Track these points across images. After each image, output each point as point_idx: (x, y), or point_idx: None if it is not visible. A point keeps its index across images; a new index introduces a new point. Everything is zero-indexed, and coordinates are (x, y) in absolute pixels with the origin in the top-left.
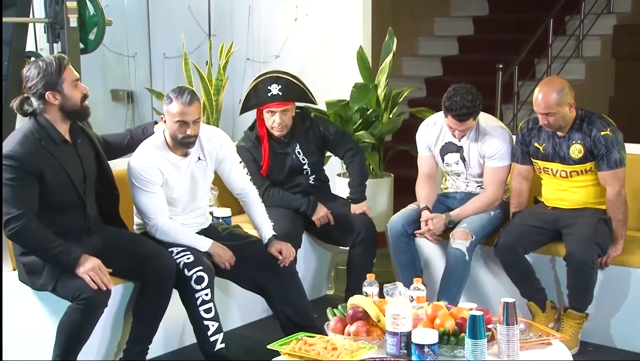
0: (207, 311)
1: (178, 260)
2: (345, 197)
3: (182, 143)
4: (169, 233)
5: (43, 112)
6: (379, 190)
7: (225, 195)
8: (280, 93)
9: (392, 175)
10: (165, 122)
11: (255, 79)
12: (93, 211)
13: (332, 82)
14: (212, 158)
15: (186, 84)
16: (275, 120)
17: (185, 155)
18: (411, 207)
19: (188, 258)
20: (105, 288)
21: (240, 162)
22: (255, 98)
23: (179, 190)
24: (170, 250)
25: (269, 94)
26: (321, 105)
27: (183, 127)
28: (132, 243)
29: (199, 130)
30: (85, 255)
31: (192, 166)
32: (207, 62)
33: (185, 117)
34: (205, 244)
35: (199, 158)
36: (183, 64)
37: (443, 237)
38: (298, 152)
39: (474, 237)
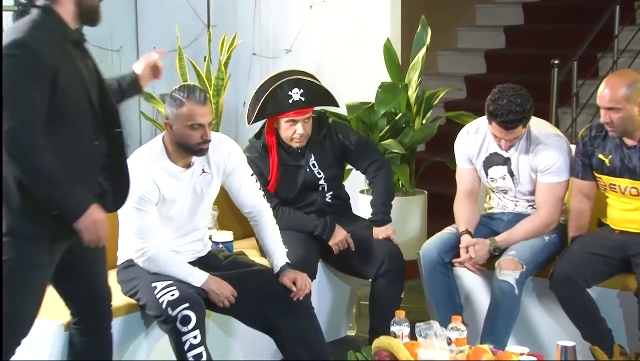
0: (197, 357)
1: (161, 299)
2: (367, 218)
3: (196, 151)
4: (159, 261)
5: (54, 3)
6: (409, 210)
7: (226, 215)
8: (302, 99)
9: (426, 192)
10: (170, 128)
11: (269, 81)
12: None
13: (353, 81)
14: (219, 170)
15: (181, 81)
16: (297, 131)
17: (188, 165)
18: (448, 230)
19: (172, 295)
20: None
21: (252, 175)
22: (274, 106)
23: (178, 206)
24: (153, 285)
25: (290, 101)
26: (341, 109)
27: (198, 130)
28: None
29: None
30: (94, 205)
31: (195, 179)
32: (205, 57)
33: (200, 119)
34: (199, 278)
35: (204, 171)
36: (177, 60)
37: (487, 267)
38: (313, 164)
39: (524, 266)
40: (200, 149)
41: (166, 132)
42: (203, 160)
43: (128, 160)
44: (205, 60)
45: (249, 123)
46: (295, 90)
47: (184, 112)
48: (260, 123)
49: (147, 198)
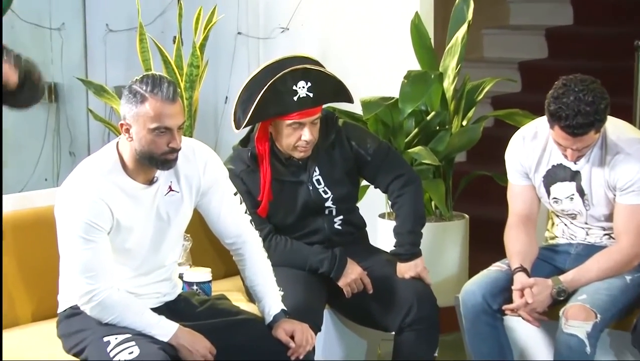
0: None
1: (116, 358)
2: (390, 251)
3: (162, 162)
4: (113, 307)
5: None
6: (445, 241)
7: (202, 248)
8: (310, 94)
9: (467, 216)
10: (127, 132)
11: (265, 71)
12: None
13: (370, 69)
14: (191, 189)
15: (143, 70)
16: (304, 137)
17: (151, 182)
18: (497, 267)
19: (131, 353)
20: None
21: (236, 194)
22: (276, 105)
23: (137, 236)
24: (104, 339)
25: (296, 97)
26: (354, 106)
27: (164, 136)
28: None
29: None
30: None
31: (160, 200)
32: (175, 38)
33: (168, 121)
34: (166, 330)
35: (171, 189)
36: (137, 42)
37: (549, 316)
38: (317, 180)
39: (599, 316)
40: (166, 160)
41: (122, 136)
42: (170, 175)
43: (72, 175)
44: (174, 42)
45: (237, 128)
46: (302, 83)
47: (147, 112)
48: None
49: (96, 225)
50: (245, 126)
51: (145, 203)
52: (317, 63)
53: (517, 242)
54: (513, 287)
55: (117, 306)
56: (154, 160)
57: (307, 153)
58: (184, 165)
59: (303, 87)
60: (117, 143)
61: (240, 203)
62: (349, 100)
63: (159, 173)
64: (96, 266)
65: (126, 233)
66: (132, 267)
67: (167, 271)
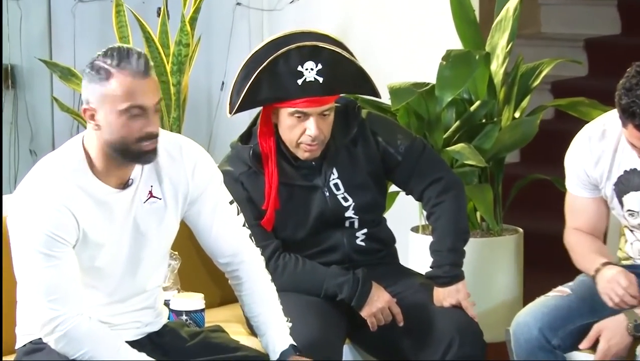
0: None
1: None
2: (425, 273)
3: (139, 154)
4: (82, 340)
5: None
6: (494, 260)
7: (193, 268)
8: (320, 79)
9: (521, 230)
10: (92, 118)
11: (267, 47)
12: None
13: (401, 49)
14: (177, 195)
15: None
16: (309, 131)
17: (124, 185)
18: (558, 292)
19: None
20: None
21: (232, 203)
22: (272, 88)
23: (108, 252)
24: None
25: (300, 81)
26: (381, 94)
27: (138, 119)
28: None
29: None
30: None
31: (137, 208)
32: (159, 10)
33: (141, 99)
34: None
35: (151, 195)
36: (113, 14)
37: (627, 356)
38: (335, 184)
39: None
40: (142, 151)
41: (88, 130)
42: (150, 177)
43: (28, 178)
44: (159, 15)
45: (230, 113)
46: (310, 64)
47: (114, 90)
48: (247, 117)
49: (58, 237)
50: (236, 111)
51: (119, 211)
52: (333, 40)
53: (586, 242)
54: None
55: (87, 338)
56: (128, 152)
57: (314, 154)
58: (169, 166)
59: (311, 69)
60: (83, 138)
61: (238, 214)
62: (374, 93)
63: (135, 174)
64: (61, 287)
65: (95, 249)
66: (105, 292)
67: (150, 297)
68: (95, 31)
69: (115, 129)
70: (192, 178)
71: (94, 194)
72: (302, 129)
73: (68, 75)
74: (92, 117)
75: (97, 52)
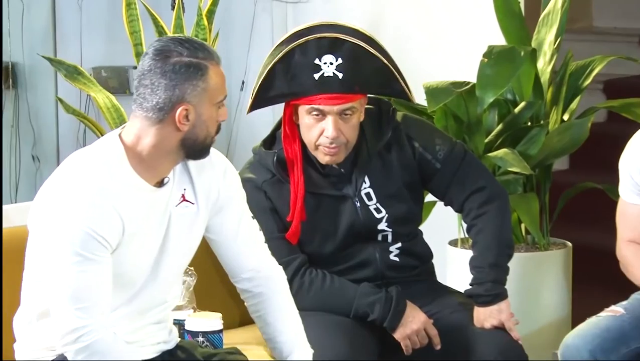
0: None
1: None
2: (464, 292)
3: (208, 147)
4: (105, 354)
5: None
6: (541, 278)
7: (210, 285)
8: (340, 74)
9: (570, 244)
10: (187, 119)
11: (284, 42)
12: None
13: (438, 45)
14: (208, 201)
15: (131, 47)
16: (327, 131)
17: (160, 184)
18: (611, 312)
19: None
20: None
21: (253, 217)
22: (287, 83)
23: (136, 256)
24: None
25: (317, 75)
26: (416, 95)
27: (221, 109)
28: None
29: None
30: None
31: (171, 209)
32: (174, 2)
33: (225, 89)
34: None
35: (184, 198)
36: (124, 8)
37: None
38: (367, 194)
39: None
40: (211, 144)
41: (129, 125)
42: (183, 180)
43: (64, 169)
44: (173, 8)
45: (248, 111)
46: (329, 57)
47: (215, 83)
48: (271, 120)
49: (101, 237)
50: (251, 109)
51: (157, 210)
52: (358, 33)
53: None
54: None
55: (109, 354)
56: (203, 148)
57: (336, 158)
58: (199, 171)
59: (330, 63)
60: (120, 133)
61: (259, 230)
62: (404, 95)
63: (170, 174)
64: (92, 295)
65: (125, 253)
66: (124, 300)
67: (167, 308)
68: (103, 26)
69: (210, 124)
70: (223, 182)
71: (136, 190)
72: (321, 129)
73: (74, 73)
74: (186, 117)
75: (155, 45)
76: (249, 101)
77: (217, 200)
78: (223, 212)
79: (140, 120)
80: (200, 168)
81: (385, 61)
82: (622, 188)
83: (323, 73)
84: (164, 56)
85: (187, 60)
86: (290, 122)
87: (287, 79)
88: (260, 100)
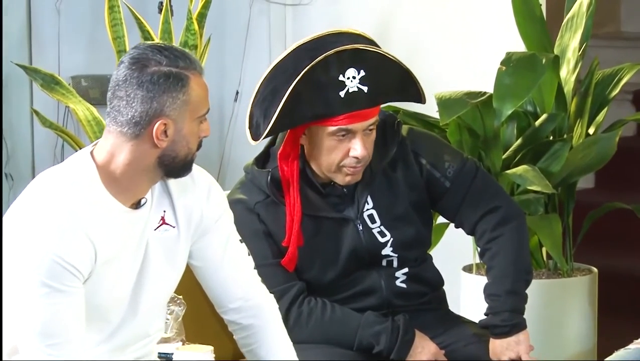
0: None
1: None
2: (479, 322)
3: (190, 164)
4: None
5: None
6: (563, 306)
7: (199, 316)
8: (365, 88)
9: (595, 270)
10: (166, 135)
11: (295, 53)
12: None
13: (452, 52)
14: (189, 224)
15: (114, 54)
16: (355, 151)
17: (137, 205)
18: None
19: None
20: None
21: (241, 241)
22: (313, 104)
23: (112, 285)
24: None
25: (342, 93)
26: (426, 106)
27: (203, 123)
28: None
29: None
30: None
31: (149, 234)
32: (161, 5)
33: (208, 102)
34: None
35: (164, 222)
36: (106, 11)
37: None
38: (370, 215)
39: None
40: (192, 161)
41: (101, 142)
42: (162, 201)
43: (31, 191)
44: (160, 11)
45: (256, 139)
46: (351, 72)
47: (196, 95)
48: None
49: (71, 267)
50: (267, 136)
51: (133, 235)
52: (369, 40)
53: None
54: None
55: None
56: (183, 165)
57: (357, 177)
58: (180, 191)
59: (353, 78)
60: (92, 151)
61: (248, 255)
62: (419, 98)
63: (147, 195)
64: (64, 330)
65: (98, 282)
66: (103, 336)
67: (151, 343)
68: (84, 31)
69: (191, 140)
70: (207, 203)
71: (109, 213)
72: (346, 150)
73: (51, 83)
74: (165, 132)
75: (134, 56)
76: (265, 127)
77: (200, 223)
78: (207, 236)
79: (114, 135)
80: (182, 188)
81: (406, 66)
82: None
83: (348, 89)
84: (141, 65)
85: (166, 70)
86: (294, 139)
87: (310, 100)
88: (280, 125)
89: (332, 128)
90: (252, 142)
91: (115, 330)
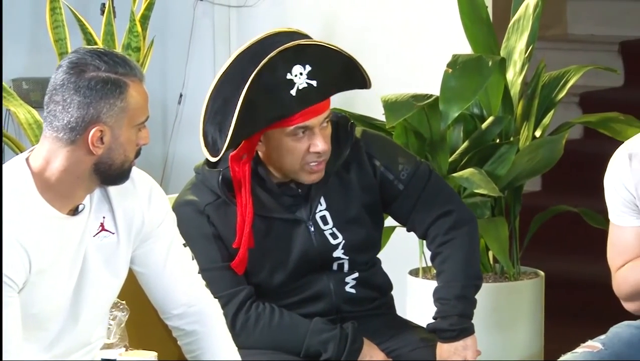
0: None
1: None
2: (427, 326)
3: (128, 172)
4: None
5: None
6: (511, 310)
7: (143, 321)
8: (314, 83)
9: (542, 273)
10: (102, 142)
11: (242, 57)
12: None
13: (397, 55)
14: (130, 230)
15: (56, 56)
16: (315, 146)
17: (74, 211)
18: (588, 348)
19: None
20: None
21: (185, 246)
22: (268, 107)
23: (49, 294)
24: None
25: (293, 90)
26: (373, 110)
27: (142, 131)
28: None
29: None
30: None
31: (88, 241)
32: (103, 6)
33: (147, 110)
34: None
35: (103, 228)
36: (47, 12)
37: None
38: (323, 217)
39: None
40: (130, 168)
41: (38, 147)
42: (101, 207)
43: None
44: (103, 13)
45: (215, 156)
46: (297, 68)
47: (135, 102)
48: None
49: (6, 277)
50: (227, 149)
51: (70, 242)
52: (308, 38)
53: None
54: None
55: None
56: (120, 173)
57: (321, 174)
58: (119, 199)
59: (301, 74)
60: (27, 158)
61: (192, 259)
62: (363, 83)
63: (85, 201)
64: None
65: (35, 291)
66: (42, 345)
67: (92, 351)
68: (25, 33)
69: (129, 147)
70: (148, 208)
71: (44, 220)
72: (306, 147)
73: None
74: (101, 139)
75: (72, 60)
76: (224, 143)
77: (141, 229)
78: (149, 242)
79: (49, 141)
80: (122, 193)
81: (348, 53)
82: (612, 212)
83: (298, 86)
84: (79, 70)
85: (104, 75)
86: (252, 146)
87: (264, 105)
88: (238, 136)
89: (289, 129)
90: (212, 159)
91: (55, 339)
